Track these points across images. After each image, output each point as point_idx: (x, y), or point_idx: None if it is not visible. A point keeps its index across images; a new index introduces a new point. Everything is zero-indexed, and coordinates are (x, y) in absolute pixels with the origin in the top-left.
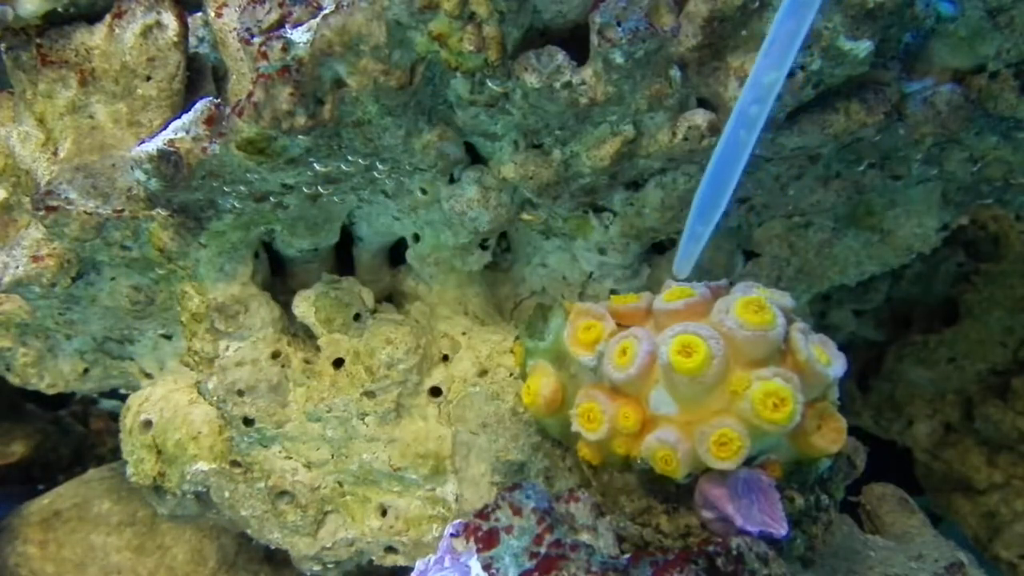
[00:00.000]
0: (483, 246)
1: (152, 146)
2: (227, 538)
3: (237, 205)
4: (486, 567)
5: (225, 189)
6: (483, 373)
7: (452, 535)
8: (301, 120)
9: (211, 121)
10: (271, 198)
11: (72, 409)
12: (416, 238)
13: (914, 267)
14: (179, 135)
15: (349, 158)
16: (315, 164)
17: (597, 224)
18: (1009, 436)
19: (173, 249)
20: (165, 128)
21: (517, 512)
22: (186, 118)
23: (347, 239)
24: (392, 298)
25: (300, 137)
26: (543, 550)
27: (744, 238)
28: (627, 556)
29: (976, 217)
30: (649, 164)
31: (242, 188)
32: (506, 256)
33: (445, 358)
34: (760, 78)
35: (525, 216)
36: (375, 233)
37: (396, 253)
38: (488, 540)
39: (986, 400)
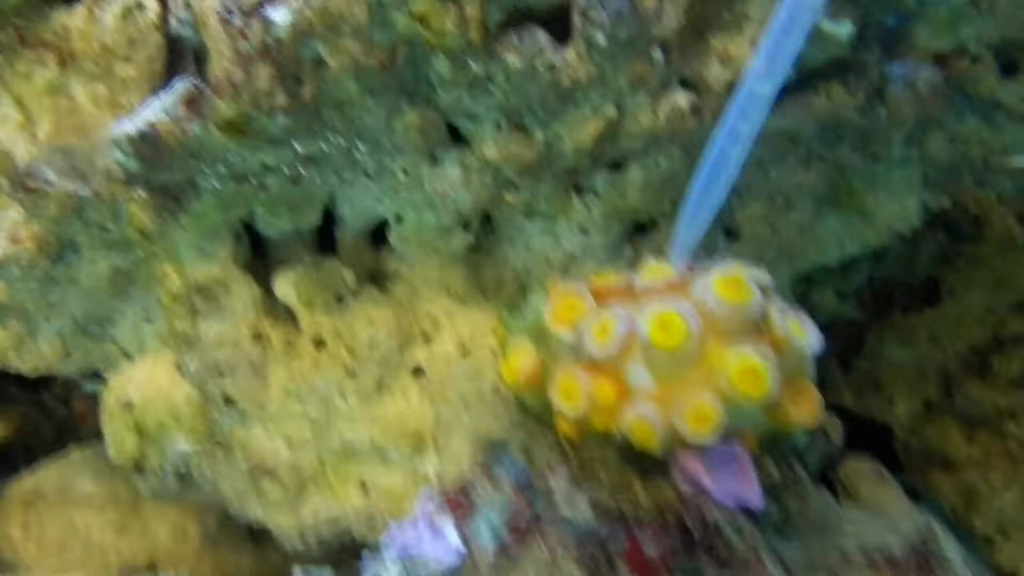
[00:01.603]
0: (466, 227)
1: (131, 127)
2: (210, 516)
3: (217, 186)
4: (463, 537)
5: (205, 170)
6: (465, 353)
7: (429, 504)
8: (281, 100)
9: (191, 102)
10: (251, 179)
11: (54, 391)
12: (398, 219)
13: (896, 248)
14: (159, 116)
15: (330, 138)
16: (296, 145)
17: (580, 205)
18: (988, 413)
19: (153, 230)
20: (144, 108)
21: (493, 482)
22: (165, 99)
23: (330, 220)
24: (375, 279)
25: (280, 117)
26: (519, 522)
27: (725, 218)
28: (603, 527)
29: (958, 199)
30: (631, 145)
31: (222, 169)
32: (489, 237)
33: (427, 338)
34: (753, 88)
35: (508, 197)
36: (357, 214)
37: (379, 234)
38: (464, 509)
39: (966, 378)
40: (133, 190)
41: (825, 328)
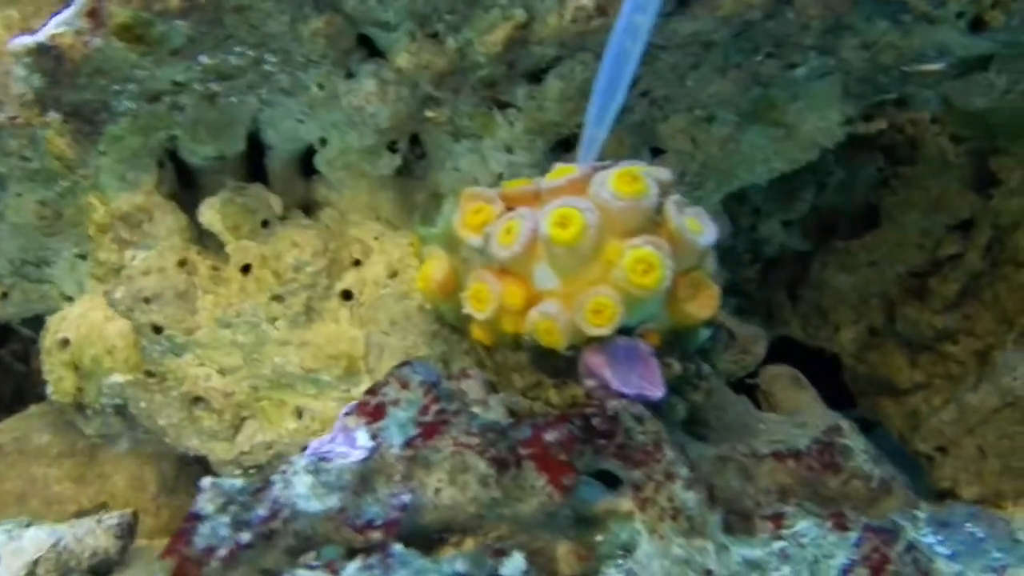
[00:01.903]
0: (392, 149)
1: (32, 40)
2: (167, 464)
3: (131, 106)
4: (373, 437)
5: (115, 88)
6: (394, 275)
7: (345, 414)
8: (175, 2)
9: (93, 14)
10: (165, 98)
11: (12, 348)
12: (323, 142)
13: (837, 175)
14: (60, 29)
15: (236, 49)
16: (201, 57)
17: (502, 120)
18: (927, 336)
19: (72, 157)
20: (47, 23)
21: (404, 386)
22: (67, 12)
23: (260, 152)
24: (308, 210)
25: (179, 23)
26: (427, 418)
27: (649, 134)
28: (510, 423)
29: (894, 121)
30: (544, 52)
31: (132, 87)
32: (420, 163)
33: (357, 262)
34: None
35: (429, 113)
36: (282, 139)
37: (312, 167)
38: (376, 413)
39: (906, 302)
40: (47, 115)
41: (772, 261)
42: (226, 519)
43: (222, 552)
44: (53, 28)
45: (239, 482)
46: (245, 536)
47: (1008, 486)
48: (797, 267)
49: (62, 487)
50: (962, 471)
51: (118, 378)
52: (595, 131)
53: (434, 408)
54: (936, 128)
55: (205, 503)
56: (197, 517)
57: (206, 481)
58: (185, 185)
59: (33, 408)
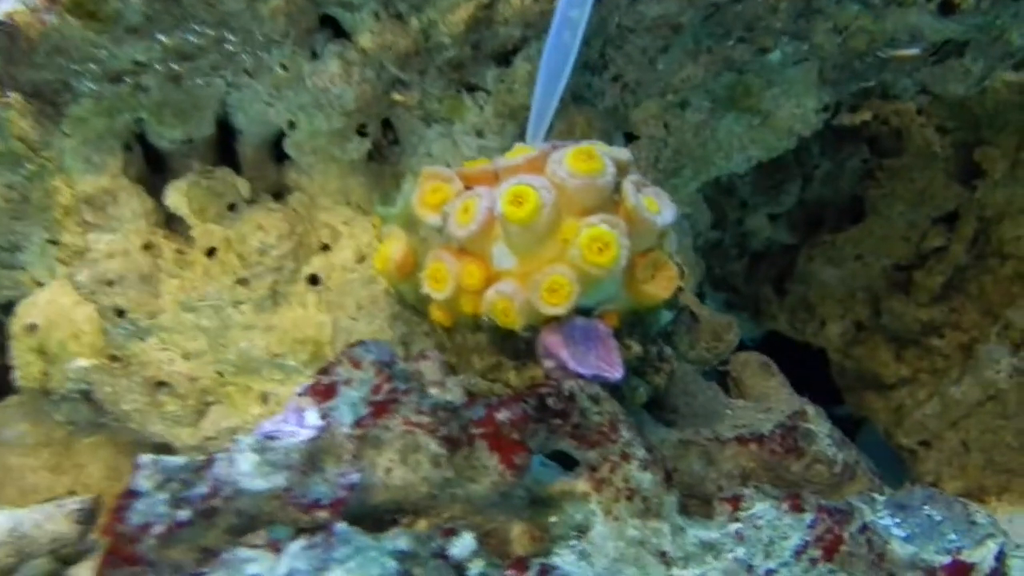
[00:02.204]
0: (362, 133)
1: None
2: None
3: (93, 87)
4: (323, 416)
5: (75, 68)
6: (362, 260)
7: (298, 394)
8: None
9: None
10: (127, 78)
11: None
12: (291, 125)
13: (822, 167)
14: (15, 6)
15: (196, 28)
16: (160, 36)
17: (471, 104)
18: (912, 329)
19: (35, 139)
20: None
21: (356, 366)
22: None
23: (231, 136)
24: (279, 195)
25: (133, 0)
26: (378, 397)
27: (622, 119)
28: (465, 403)
29: (879, 112)
30: (510, 32)
31: (93, 66)
32: (393, 148)
33: (325, 247)
34: None
35: (397, 96)
36: (252, 123)
37: (284, 152)
38: (327, 393)
39: (891, 295)
40: (7, 95)
41: (759, 254)
42: (164, 496)
43: (158, 529)
44: (8, 5)
45: (180, 459)
46: (184, 513)
47: (991, 481)
48: (784, 261)
49: (38, 477)
50: (945, 465)
51: (82, 362)
52: (539, 116)
53: (386, 387)
54: (922, 119)
55: (143, 480)
56: (134, 494)
57: (145, 458)
58: (155, 170)
59: (10, 398)
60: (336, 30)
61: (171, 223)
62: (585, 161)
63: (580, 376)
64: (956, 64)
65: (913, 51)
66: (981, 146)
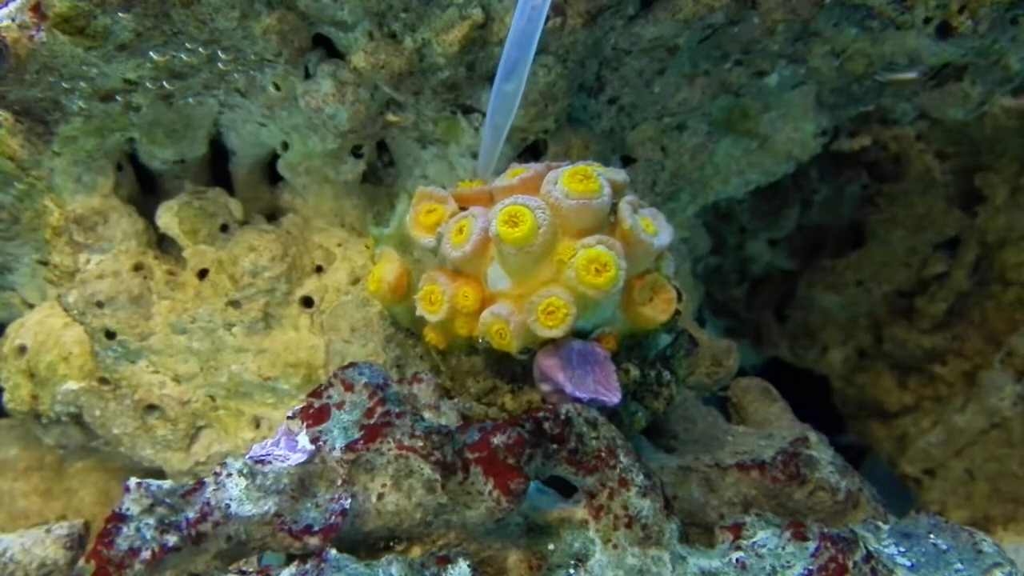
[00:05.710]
0: (356, 154)
1: None
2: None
3: (83, 105)
4: (314, 440)
5: (65, 85)
6: (356, 282)
7: (290, 417)
8: None
9: (36, 8)
10: (118, 97)
11: None
12: (285, 146)
13: (822, 192)
14: (4, 23)
15: (187, 46)
16: (151, 53)
17: (466, 126)
18: (915, 356)
19: (25, 157)
20: None
21: (349, 388)
22: (11, 6)
23: (225, 157)
24: (273, 217)
25: (122, 16)
26: (370, 420)
27: (618, 142)
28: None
29: (878, 137)
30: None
31: (83, 85)
32: (389, 170)
33: (319, 269)
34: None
35: (391, 117)
36: (245, 143)
37: (278, 174)
38: (319, 416)
39: (893, 322)
40: None
41: (759, 280)
42: (151, 520)
43: (145, 554)
44: None
45: (168, 484)
46: (171, 539)
47: (998, 510)
48: (784, 286)
49: (28, 501)
50: (950, 494)
51: (72, 385)
52: (488, 143)
53: (379, 411)
54: (921, 145)
55: (130, 504)
56: (121, 518)
57: (132, 481)
58: (147, 190)
59: (2, 421)
60: (329, 50)
61: (162, 244)
62: (581, 181)
63: (577, 400)
64: (955, 88)
65: (911, 74)
66: (981, 172)
